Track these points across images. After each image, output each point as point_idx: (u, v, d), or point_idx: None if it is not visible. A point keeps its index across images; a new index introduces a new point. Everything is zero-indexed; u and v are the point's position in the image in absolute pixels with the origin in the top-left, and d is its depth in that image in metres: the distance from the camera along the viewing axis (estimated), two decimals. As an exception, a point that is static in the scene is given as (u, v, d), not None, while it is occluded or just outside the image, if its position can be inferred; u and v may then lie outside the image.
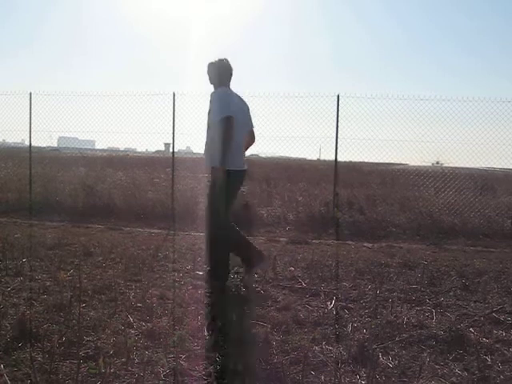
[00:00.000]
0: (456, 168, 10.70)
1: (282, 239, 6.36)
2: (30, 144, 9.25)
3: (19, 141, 16.55)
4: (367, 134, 9.04)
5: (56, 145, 25.01)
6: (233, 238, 3.97)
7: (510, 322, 3.18)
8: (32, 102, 8.74)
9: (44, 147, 23.28)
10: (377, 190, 10.84)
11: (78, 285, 3.38)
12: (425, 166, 12.17)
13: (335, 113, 7.64)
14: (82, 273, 3.95)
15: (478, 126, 7.87)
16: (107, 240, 5.65)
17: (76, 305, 3.05)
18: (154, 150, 31.51)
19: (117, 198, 8.46)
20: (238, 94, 4.07)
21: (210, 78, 4.06)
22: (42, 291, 3.47)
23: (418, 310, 3.41)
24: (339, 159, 7.93)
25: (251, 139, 4.22)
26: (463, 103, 7.69)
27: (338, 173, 7.96)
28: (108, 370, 2.19)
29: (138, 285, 3.77)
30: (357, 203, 8.74)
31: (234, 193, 4.02)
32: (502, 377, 2.37)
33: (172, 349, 2.55)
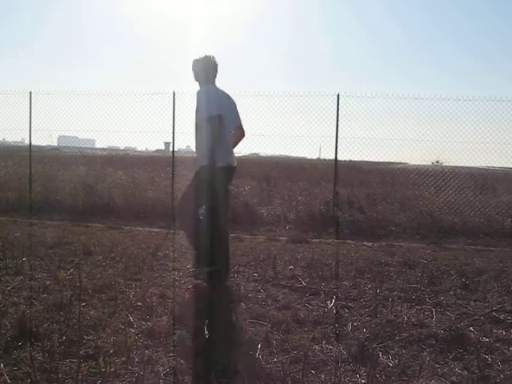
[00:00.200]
0: (456, 167, 10.69)
1: (282, 238, 6.37)
2: (30, 143, 9.25)
3: (19, 140, 16.57)
4: (367, 133, 9.05)
5: (56, 144, 25.00)
6: (201, 232, 3.89)
7: (510, 321, 3.18)
8: (32, 101, 8.75)
9: (44, 146, 23.25)
10: (377, 188, 10.83)
11: (78, 284, 3.38)
12: (425, 165, 12.15)
13: (335, 112, 7.64)
14: (82, 272, 3.95)
15: (478, 126, 7.88)
16: (107, 239, 5.65)
17: (76, 304, 3.05)
18: (154, 149, 31.48)
19: (117, 197, 8.46)
20: (224, 91, 4.02)
21: (196, 75, 4.01)
22: (42, 290, 3.47)
23: (418, 309, 3.41)
24: (339, 158, 7.94)
25: (240, 134, 4.17)
26: (463, 102, 7.71)
27: (337, 172, 7.96)
28: (108, 369, 2.19)
29: (138, 284, 3.78)
30: (357, 202, 8.74)
31: (224, 189, 3.97)
32: (501, 376, 2.37)
33: (172, 348, 2.55)
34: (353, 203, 8.65)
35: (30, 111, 8.76)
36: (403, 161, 15.32)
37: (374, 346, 2.65)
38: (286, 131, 8.54)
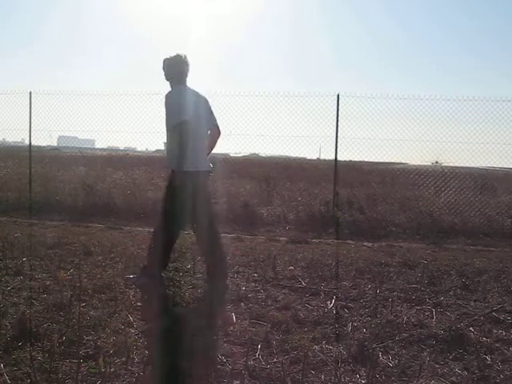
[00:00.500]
0: (456, 167, 10.69)
1: (281, 238, 6.37)
2: (30, 143, 9.25)
3: (19, 140, 16.57)
4: (367, 133, 9.03)
5: (56, 144, 25.03)
6: (169, 237, 3.84)
7: (510, 322, 3.18)
8: (32, 101, 8.75)
9: (44, 146, 23.25)
10: (377, 189, 10.83)
11: (78, 284, 3.38)
12: (425, 166, 12.16)
13: (335, 112, 7.64)
14: (82, 272, 3.95)
15: (478, 126, 7.88)
16: (107, 239, 5.64)
17: (76, 304, 3.05)
18: (154, 150, 31.45)
19: (117, 198, 8.46)
20: (195, 90, 3.92)
21: (166, 75, 3.90)
22: (41, 290, 3.47)
23: (417, 309, 3.41)
24: (339, 158, 7.94)
25: (217, 134, 4.10)
26: (463, 103, 7.71)
27: (337, 172, 7.95)
28: (108, 370, 2.19)
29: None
30: (357, 202, 8.73)
31: (195, 193, 3.83)
32: (501, 376, 2.37)
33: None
34: (353, 203, 8.64)
35: (30, 111, 8.76)
36: (403, 161, 15.34)
37: (374, 346, 2.65)
38: (285, 131, 8.53)
